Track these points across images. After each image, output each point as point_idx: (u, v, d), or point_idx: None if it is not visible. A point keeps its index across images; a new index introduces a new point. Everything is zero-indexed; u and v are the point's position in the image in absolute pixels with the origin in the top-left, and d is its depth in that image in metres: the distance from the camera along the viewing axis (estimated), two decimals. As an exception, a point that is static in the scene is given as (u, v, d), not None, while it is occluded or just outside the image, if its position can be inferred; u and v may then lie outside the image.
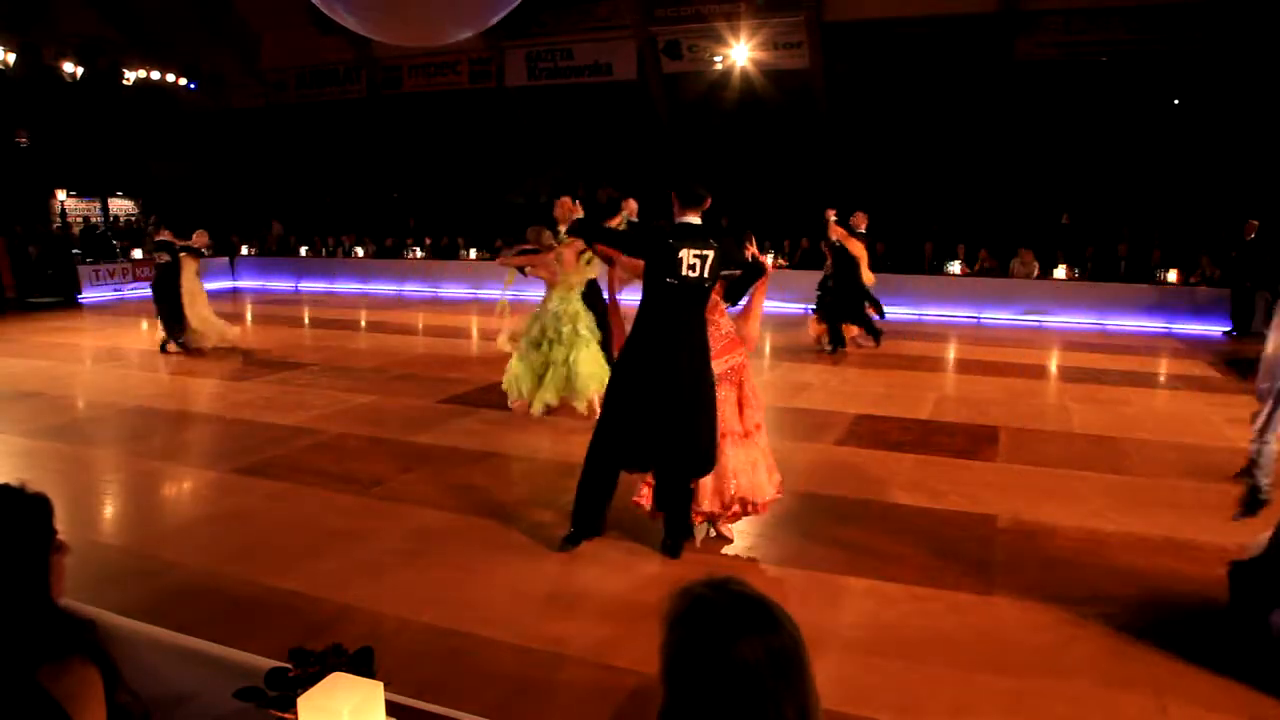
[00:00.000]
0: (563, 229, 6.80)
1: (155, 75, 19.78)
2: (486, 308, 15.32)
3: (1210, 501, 5.20)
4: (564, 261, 7.00)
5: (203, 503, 5.36)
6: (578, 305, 7.09)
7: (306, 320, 13.75)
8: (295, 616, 3.68)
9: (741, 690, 1.06)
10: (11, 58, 16.86)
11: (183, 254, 10.22)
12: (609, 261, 4.62)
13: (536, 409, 6.95)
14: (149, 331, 12.60)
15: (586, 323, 7.06)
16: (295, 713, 1.56)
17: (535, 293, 7.55)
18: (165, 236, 10.50)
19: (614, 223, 7.17)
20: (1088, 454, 6.14)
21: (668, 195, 4.21)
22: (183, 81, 20.49)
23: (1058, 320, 13.22)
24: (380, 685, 1.61)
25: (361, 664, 1.71)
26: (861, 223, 10.14)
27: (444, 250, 18.47)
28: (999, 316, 13.66)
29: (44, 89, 18.02)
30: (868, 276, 10.16)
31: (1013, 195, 15.83)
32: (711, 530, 4.57)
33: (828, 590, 3.96)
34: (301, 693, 1.57)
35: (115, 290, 16.62)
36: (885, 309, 13.59)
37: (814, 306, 10.44)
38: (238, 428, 6.84)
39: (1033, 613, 3.74)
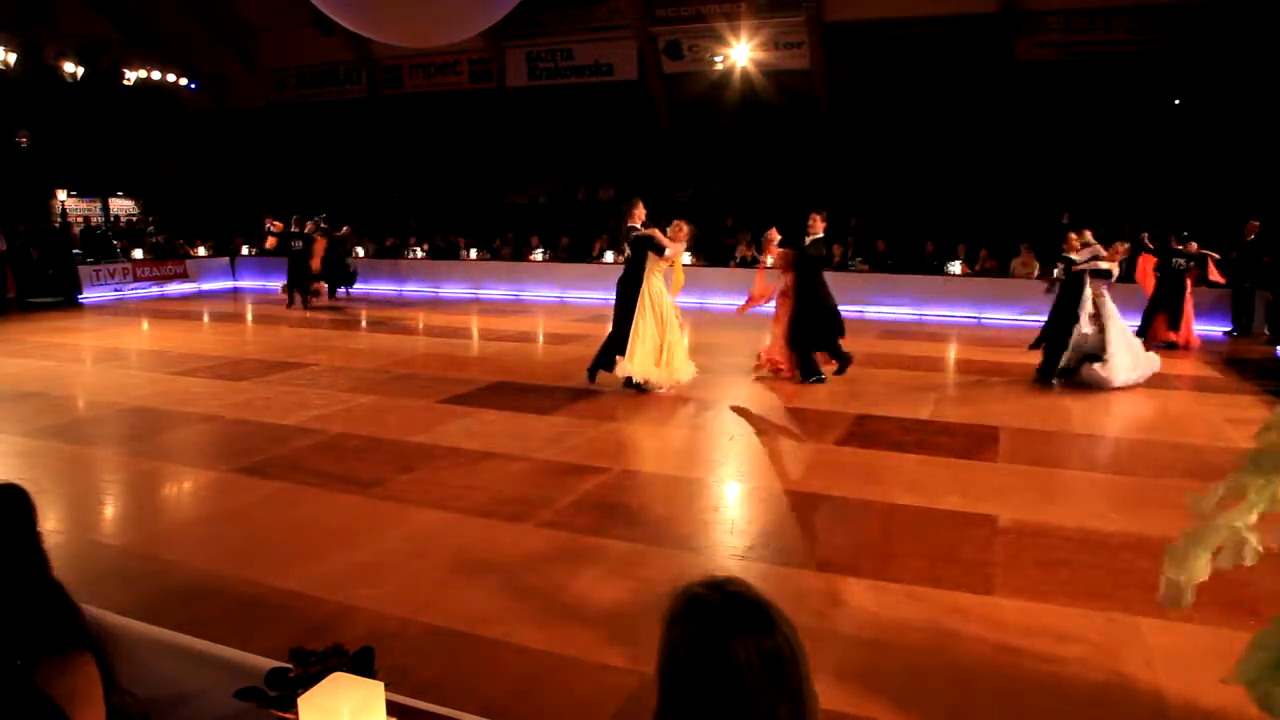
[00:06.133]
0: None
1: (155, 75, 19.77)
2: (487, 307, 15.34)
3: (1210, 501, 5.20)
4: None
5: (203, 503, 5.36)
6: None
7: (306, 320, 13.74)
8: (295, 616, 3.68)
9: (734, 690, 1.07)
10: (12, 58, 16.86)
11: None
12: None
13: None
14: (149, 331, 12.61)
15: None
16: (296, 713, 1.56)
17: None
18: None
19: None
20: (1088, 454, 6.15)
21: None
22: (183, 81, 20.48)
23: (1058, 320, 13.20)
24: (380, 685, 1.61)
25: (362, 664, 1.71)
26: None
27: (444, 250, 18.49)
28: (999, 316, 13.65)
29: (44, 89, 18.02)
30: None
31: (1013, 195, 15.81)
32: None
33: (828, 590, 3.96)
34: (302, 693, 1.57)
35: (115, 290, 16.63)
36: (885, 309, 13.60)
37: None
38: (238, 428, 6.84)
39: (1033, 613, 3.74)
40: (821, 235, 8.56)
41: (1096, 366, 8.27)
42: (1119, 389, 8.24)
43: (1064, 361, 8.53)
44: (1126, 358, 8.34)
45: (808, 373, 8.53)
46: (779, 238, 8.63)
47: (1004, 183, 16.05)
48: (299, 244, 14.54)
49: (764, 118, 17.70)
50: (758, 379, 8.74)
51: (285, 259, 14.97)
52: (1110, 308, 8.53)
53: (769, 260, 8.78)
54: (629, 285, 7.97)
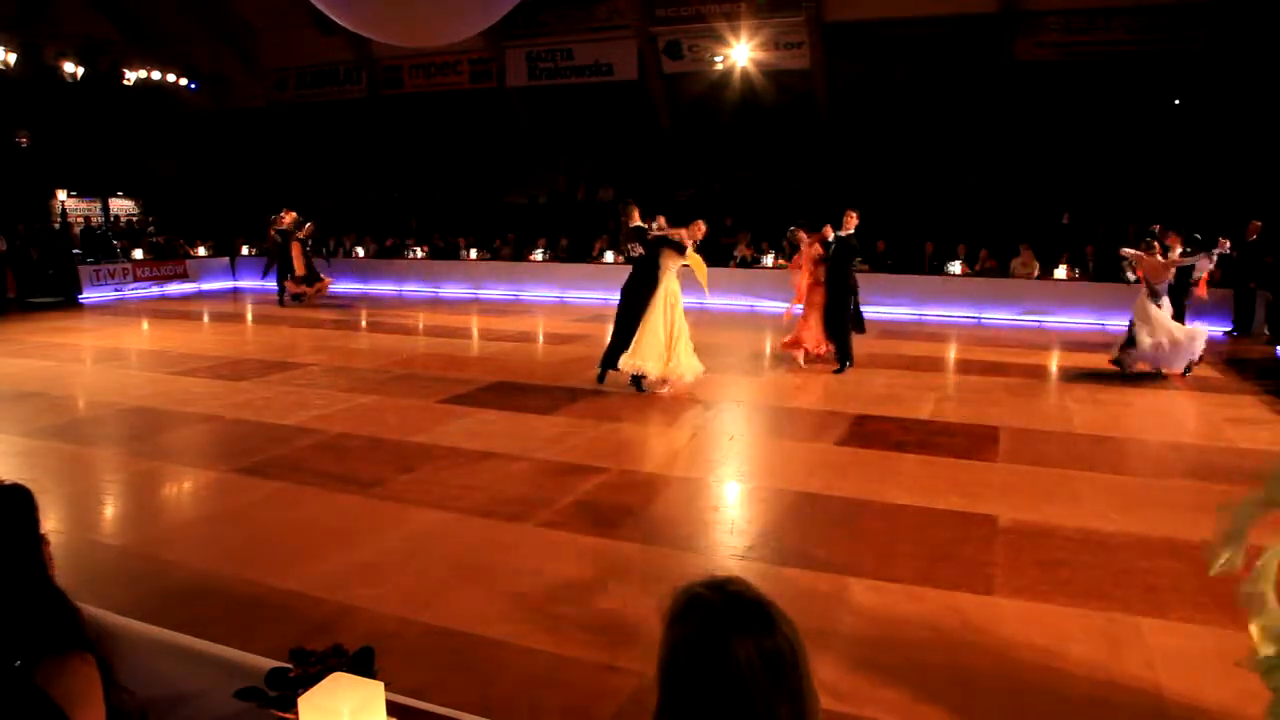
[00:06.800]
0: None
1: (155, 75, 19.75)
2: (487, 307, 15.34)
3: (1210, 502, 5.20)
4: None
5: (203, 503, 5.36)
6: None
7: (306, 320, 13.73)
8: (295, 616, 3.68)
9: (733, 690, 1.07)
10: (12, 58, 16.84)
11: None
12: None
13: None
14: (149, 331, 12.61)
15: None
16: (296, 713, 1.56)
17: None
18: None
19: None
20: (1088, 454, 6.14)
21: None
22: (183, 81, 20.47)
23: (1058, 320, 13.21)
24: (380, 685, 1.61)
25: (362, 664, 1.71)
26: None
27: (444, 250, 18.49)
28: (999, 316, 13.65)
29: (44, 89, 18.01)
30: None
31: (1013, 195, 15.81)
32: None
33: (828, 590, 3.96)
34: (302, 693, 1.57)
35: (115, 290, 16.62)
36: (885, 309, 13.62)
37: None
38: (238, 428, 6.84)
39: (1033, 613, 3.74)
40: (854, 230, 9.16)
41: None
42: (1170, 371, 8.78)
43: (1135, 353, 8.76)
44: (1164, 339, 8.66)
45: (843, 358, 9.14)
46: (832, 235, 9.12)
47: (1004, 183, 16.04)
48: (279, 239, 15.13)
49: (764, 118, 17.69)
50: (799, 367, 9.26)
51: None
52: (1141, 305, 8.78)
53: (804, 259, 9.32)
54: (644, 285, 8.00)
